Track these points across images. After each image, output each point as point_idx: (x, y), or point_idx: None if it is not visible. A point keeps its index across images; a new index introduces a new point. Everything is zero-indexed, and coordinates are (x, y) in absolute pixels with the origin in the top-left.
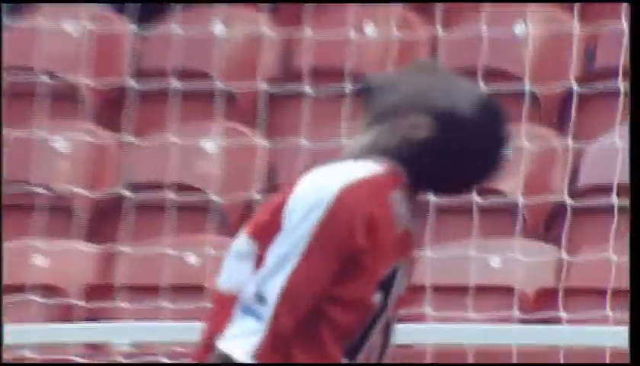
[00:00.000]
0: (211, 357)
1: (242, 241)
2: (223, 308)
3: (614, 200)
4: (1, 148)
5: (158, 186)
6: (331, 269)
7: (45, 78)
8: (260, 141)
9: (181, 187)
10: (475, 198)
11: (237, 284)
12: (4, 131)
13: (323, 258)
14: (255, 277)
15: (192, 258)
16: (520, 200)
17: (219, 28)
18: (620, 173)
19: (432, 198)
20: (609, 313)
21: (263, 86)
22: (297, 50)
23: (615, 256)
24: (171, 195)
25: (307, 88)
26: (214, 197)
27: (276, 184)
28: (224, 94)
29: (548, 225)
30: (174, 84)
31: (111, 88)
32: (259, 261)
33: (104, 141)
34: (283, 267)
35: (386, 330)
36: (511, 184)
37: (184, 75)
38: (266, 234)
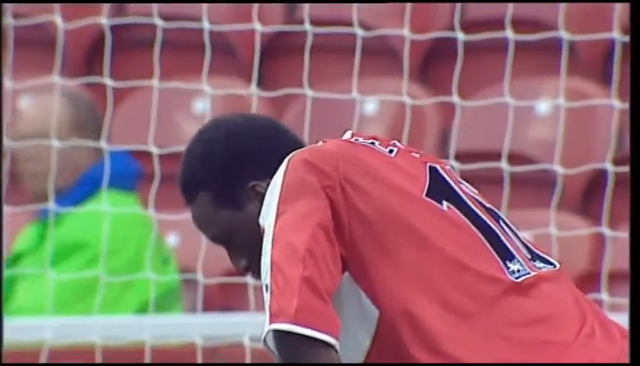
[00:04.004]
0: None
1: None
2: None
3: None
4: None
5: (486, 156)
6: (317, 206)
7: (360, 32)
8: (608, 100)
9: (512, 157)
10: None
11: None
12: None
13: (303, 203)
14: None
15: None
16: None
17: None
18: None
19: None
20: None
21: (610, 36)
22: None
23: None
24: (503, 166)
25: None
26: (556, 167)
27: (626, 152)
28: (564, 45)
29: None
30: (507, 33)
31: (429, 39)
32: None
33: (420, 101)
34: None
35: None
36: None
37: (519, 23)
38: None
